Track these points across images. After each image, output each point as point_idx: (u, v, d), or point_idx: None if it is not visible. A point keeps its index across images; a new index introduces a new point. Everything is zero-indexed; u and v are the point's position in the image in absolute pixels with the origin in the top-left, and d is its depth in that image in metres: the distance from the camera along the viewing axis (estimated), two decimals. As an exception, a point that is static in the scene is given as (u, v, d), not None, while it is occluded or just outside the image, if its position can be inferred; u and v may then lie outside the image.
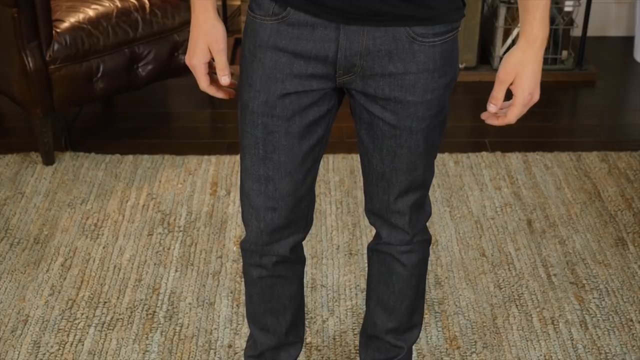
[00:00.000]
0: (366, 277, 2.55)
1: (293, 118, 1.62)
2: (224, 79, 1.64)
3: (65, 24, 2.99)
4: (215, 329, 2.38)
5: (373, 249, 1.92)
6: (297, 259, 1.86)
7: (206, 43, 1.62)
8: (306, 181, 1.72)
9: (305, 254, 2.63)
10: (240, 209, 2.86)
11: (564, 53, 3.82)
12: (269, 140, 1.64)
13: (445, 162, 3.12)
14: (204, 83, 1.66)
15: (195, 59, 1.63)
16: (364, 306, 2.46)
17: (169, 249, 2.69)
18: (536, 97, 1.60)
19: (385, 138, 1.66)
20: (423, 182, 1.76)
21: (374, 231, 2.76)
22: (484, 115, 1.65)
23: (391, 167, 1.70)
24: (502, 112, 1.63)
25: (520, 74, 1.57)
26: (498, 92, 1.60)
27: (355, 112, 1.68)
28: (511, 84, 1.59)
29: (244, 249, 1.83)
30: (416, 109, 1.61)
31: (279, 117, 1.62)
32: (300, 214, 1.76)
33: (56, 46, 2.96)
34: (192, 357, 2.29)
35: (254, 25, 1.59)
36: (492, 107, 1.61)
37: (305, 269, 2.58)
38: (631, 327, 2.40)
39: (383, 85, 1.59)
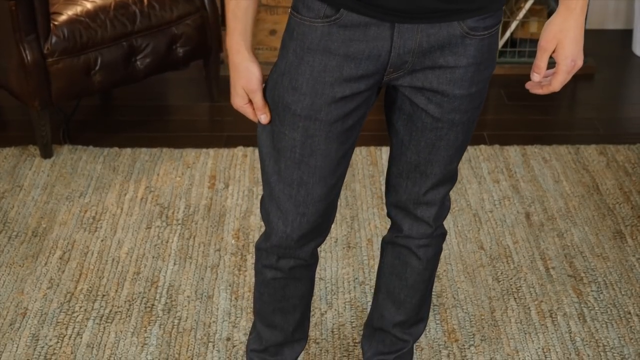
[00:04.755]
0: (365, 270, 2.56)
1: (335, 123, 1.61)
2: (263, 117, 1.65)
3: (63, 17, 2.99)
4: (214, 322, 2.38)
5: (389, 242, 1.91)
6: (313, 261, 1.85)
7: (242, 85, 1.62)
8: (337, 186, 1.71)
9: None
10: (238, 202, 2.86)
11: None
12: (307, 144, 1.62)
13: (444, 155, 3.12)
14: (253, 119, 1.68)
15: (237, 101, 1.65)
16: (363, 299, 2.46)
17: (167, 242, 2.69)
18: (580, 63, 1.60)
19: (425, 130, 1.66)
20: (454, 175, 1.77)
21: (372, 224, 2.77)
22: (528, 85, 1.65)
23: (427, 159, 1.70)
24: (546, 80, 1.62)
25: (562, 41, 1.57)
26: (541, 61, 1.59)
27: (396, 103, 1.67)
28: (553, 51, 1.59)
29: (260, 249, 1.81)
30: (461, 102, 1.61)
31: (322, 121, 1.60)
32: (326, 219, 1.75)
33: (54, 39, 2.95)
34: (190, 350, 2.29)
35: (302, 27, 1.56)
36: (535, 76, 1.61)
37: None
38: (629, 319, 2.41)
39: (431, 77, 1.58)
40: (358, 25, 1.52)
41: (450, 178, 1.77)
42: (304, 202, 1.68)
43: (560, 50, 1.58)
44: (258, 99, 1.63)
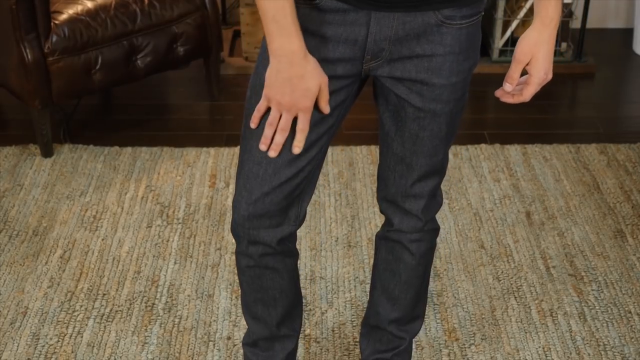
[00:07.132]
0: (365, 269, 2.56)
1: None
2: (326, 108, 1.59)
3: (64, 16, 2.99)
4: (214, 320, 2.38)
5: (382, 237, 1.92)
6: (286, 252, 1.83)
7: (318, 85, 1.55)
8: (305, 170, 1.71)
9: (304, 246, 2.64)
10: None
11: (563, 45, 3.81)
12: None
13: (444, 154, 3.12)
14: (306, 123, 1.60)
15: (307, 103, 1.56)
16: (363, 298, 2.46)
17: (167, 241, 2.69)
18: (550, 76, 1.67)
19: (408, 121, 1.68)
20: (441, 168, 1.79)
21: (373, 223, 2.77)
22: (498, 93, 1.71)
23: (412, 150, 1.72)
24: (517, 89, 1.69)
25: (536, 55, 1.65)
26: (514, 72, 1.67)
27: (382, 95, 1.70)
28: (527, 64, 1.65)
29: (233, 234, 1.82)
30: (441, 92, 1.64)
31: None
32: (291, 204, 1.74)
33: (54, 38, 2.95)
34: (190, 349, 2.30)
35: None
36: (507, 86, 1.68)
37: (305, 261, 2.59)
38: (629, 319, 2.41)
39: (410, 67, 1.61)
40: (337, 10, 1.56)
41: (437, 171, 1.78)
42: (270, 182, 1.68)
43: (534, 63, 1.66)
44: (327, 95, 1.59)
